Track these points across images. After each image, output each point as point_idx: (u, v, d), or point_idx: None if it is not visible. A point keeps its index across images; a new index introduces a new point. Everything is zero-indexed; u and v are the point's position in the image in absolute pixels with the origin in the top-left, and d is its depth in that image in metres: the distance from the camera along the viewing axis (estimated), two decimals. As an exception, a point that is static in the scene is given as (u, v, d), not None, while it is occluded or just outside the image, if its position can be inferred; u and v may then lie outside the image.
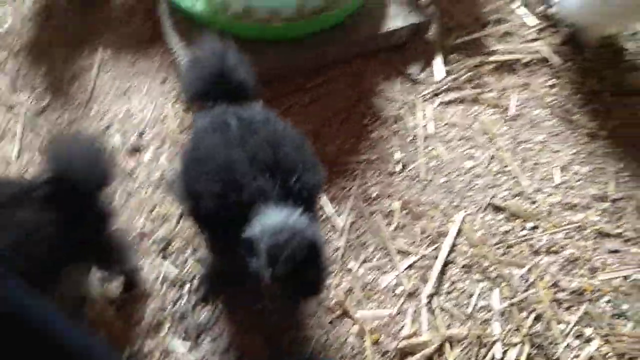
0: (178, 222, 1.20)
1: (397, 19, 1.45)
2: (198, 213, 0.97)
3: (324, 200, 1.23)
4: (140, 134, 1.34)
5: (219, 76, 1.03)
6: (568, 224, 1.18)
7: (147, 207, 1.23)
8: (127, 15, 1.55)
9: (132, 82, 1.43)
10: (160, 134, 1.33)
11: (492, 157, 1.29)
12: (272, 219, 0.83)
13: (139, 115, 1.37)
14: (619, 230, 1.17)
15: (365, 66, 1.44)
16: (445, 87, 1.40)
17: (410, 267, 1.15)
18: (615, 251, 1.15)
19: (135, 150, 1.32)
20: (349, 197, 1.24)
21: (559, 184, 1.23)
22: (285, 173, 0.91)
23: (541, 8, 1.47)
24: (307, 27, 1.36)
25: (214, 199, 0.90)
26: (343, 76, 1.42)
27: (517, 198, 1.23)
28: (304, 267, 0.79)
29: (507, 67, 1.42)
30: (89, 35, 1.52)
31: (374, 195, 1.25)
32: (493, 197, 1.23)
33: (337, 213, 1.21)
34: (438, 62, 1.43)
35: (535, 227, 1.18)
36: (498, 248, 1.16)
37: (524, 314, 1.08)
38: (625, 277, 1.11)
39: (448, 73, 1.41)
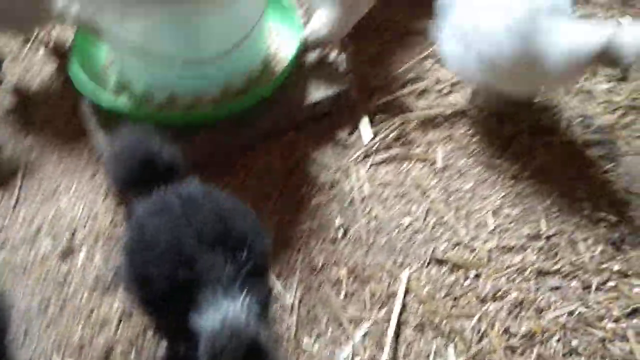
0: (119, 325, 1.15)
1: (320, 89, 1.50)
2: (149, 300, 0.94)
3: (271, 277, 1.21)
4: (72, 235, 1.29)
5: (144, 163, 1.03)
6: (508, 267, 1.21)
7: (84, 313, 1.17)
8: (50, 116, 1.52)
9: (59, 182, 1.39)
10: (93, 232, 1.28)
11: (428, 211, 1.33)
12: (213, 314, 0.82)
13: (69, 215, 1.32)
14: (557, 267, 1.21)
15: (296, 137, 1.47)
16: (374, 148, 1.44)
17: (365, 335, 1.13)
18: (557, 288, 1.19)
19: (68, 253, 1.26)
20: (295, 271, 1.22)
21: (494, 229, 1.28)
22: (235, 244, 0.90)
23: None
24: (232, 108, 1.38)
25: (165, 280, 0.88)
26: (275, 149, 1.44)
27: (456, 248, 1.25)
28: None
29: (429, 122, 1.49)
30: (11, 139, 1.48)
31: (319, 265, 1.24)
32: (434, 250, 1.25)
33: (284, 289, 1.20)
34: (364, 125, 1.48)
35: (478, 275, 1.21)
36: (446, 301, 1.17)
37: (481, 366, 1.08)
38: (570, 313, 1.14)
39: (375, 134, 1.46)
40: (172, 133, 1.33)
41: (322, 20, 1.42)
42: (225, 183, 1.37)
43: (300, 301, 1.18)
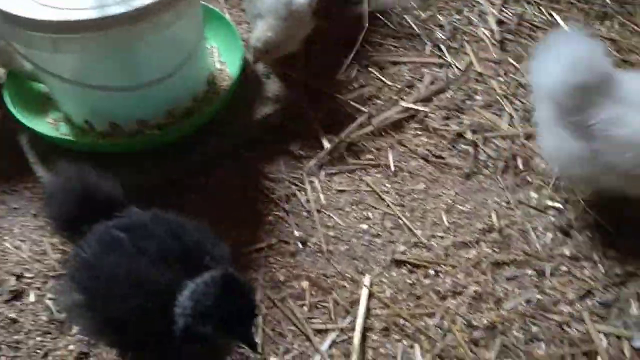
0: (77, 364, 1.10)
1: (269, 103, 1.50)
2: (122, 339, 0.92)
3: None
4: (19, 277, 1.23)
5: (83, 199, 1.00)
6: (465, 262, 1.24)
7: (38, 357, 1.12)
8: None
9: (2, 223, 1.33)
10: (41, 273, 1.23)
11: (384, 215, 1.34)
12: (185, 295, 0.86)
13: (14, 256, 1.26)
14: (511, 257, 1.25)
15: (249, 153, 1.47)
16: (327, 157, 1.45)
17: (331, 345, 1.13)
18: (513, 278, 1.22)
19: (16, 296, 1.20)
20: (257, 289, 1.21)
21: (448, 227, 1.30)
22: (194, 256, 0.91)
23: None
24: (179, 131, 1.36)
25: (137, 315, 0.86)
26: (228, 168, 1.43)
27: (415, 249, 1.27)
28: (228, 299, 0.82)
29: (379, 127, 1.51)
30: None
31: (281, 279, 1.23)
32: (393, 253, 1.27)
33: (247, 309, 1.18)
34: (316, 135, 1.49)
35: (437, 273, 1.23)
36: (409, 302, 1.19)
37: (447, 362, 1.10)
38: (528, 301, 1.17)
39: (327, 143, 1.47)
40: (120, 160, 1.32)
41: (263, 28, 1.42)
42: (180, 206, 1.34)
43: (264, 319, 1.16)
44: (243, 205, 1.37)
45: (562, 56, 1.14)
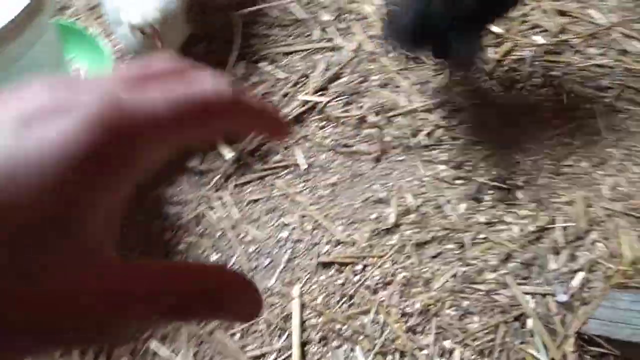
0: None
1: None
2: None
3: (154, 344, 1.09)
4: None
5: None
6: (389, 250, 1.23)
7: None
8: None
9: None
10: None
11: (302, 217, 1.29)
12: None
13: None
14: (432, 235, 1.25)
15: (142, 179, 1.34)
16: (233, 167, 1.37)
17: (270, 369, 1.08)
18: (437, 255, 1.23)
19: None
20: (180, 329, 1.12)
21: (368, 216, 1.28)
22: None
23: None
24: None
25: None
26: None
27: (339, 247, 1.24)
28: None
29: (279, 126, 1.44)
30: None
31: (206, 310, 1.15)
32: (318, 255, 1.23)
33: (174, 353, 1.09)
34: (215, 146, 1.39)
35: (364, 267, 1.20)
36: (342, 304, 1.16)
37: (389, 357, 1.08)
38: (454, 276, 1.19)
39: (229, 153, 1.38)
40: None
41: (139, 11, 1.25)
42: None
43: (194, 358, 1.08)
44: (147, 240, 1.25)
45: None
